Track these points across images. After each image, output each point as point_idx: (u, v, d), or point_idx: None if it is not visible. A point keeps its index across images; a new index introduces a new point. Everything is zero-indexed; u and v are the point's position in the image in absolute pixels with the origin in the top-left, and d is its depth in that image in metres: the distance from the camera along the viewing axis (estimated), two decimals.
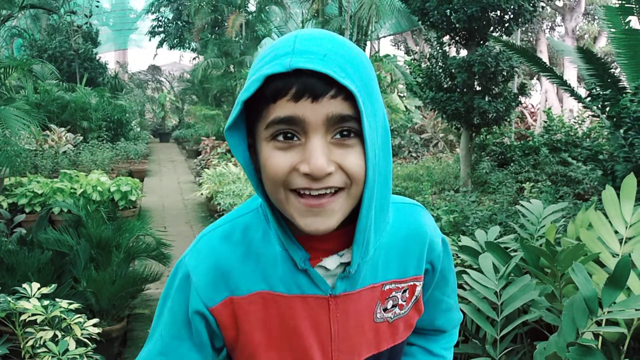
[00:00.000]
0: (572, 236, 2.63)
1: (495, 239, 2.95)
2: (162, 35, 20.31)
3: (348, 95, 0.75)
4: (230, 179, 7.49)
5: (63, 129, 10.54)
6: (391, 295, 0.95)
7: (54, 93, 11.40)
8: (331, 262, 0.89)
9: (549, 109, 7.57)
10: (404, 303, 0.97)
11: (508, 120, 6.68)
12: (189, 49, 20.13)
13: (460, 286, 2.64)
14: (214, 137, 12.06)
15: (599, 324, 1.86)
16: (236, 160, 9.46)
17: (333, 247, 0.89)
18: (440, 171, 7.67)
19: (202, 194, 8.09)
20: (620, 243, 2.17)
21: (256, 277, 0.90)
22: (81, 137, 10.79)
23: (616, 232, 2.22)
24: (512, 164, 6.78)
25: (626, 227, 2.18)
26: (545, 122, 7.36)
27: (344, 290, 0.90)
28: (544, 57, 17.29)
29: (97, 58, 15.91)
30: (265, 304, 0.90)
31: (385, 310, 0.96)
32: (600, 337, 1.97)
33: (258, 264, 0.90)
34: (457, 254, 2.68)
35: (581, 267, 1.84)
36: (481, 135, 7.23)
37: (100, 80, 15.61)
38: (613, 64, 4.96)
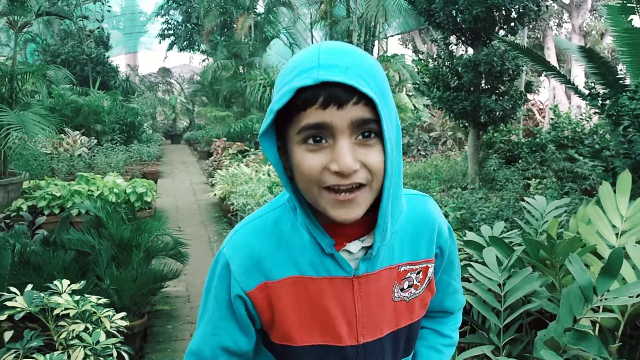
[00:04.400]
0: (573, 230, 2.74)
1: (500, 234, 3.08)
2: (172, 38, 20.50)
3: (368, 102, 0.87)
4: (242, 180, 7.64)
5: (77, 132, 10.75)
6: (406, 276, 1.08)
7: (68, 97, 11.60)
8: (354, 247, 1.01)
9: (556, 106, 7.65)
10: (419, 283, 1.10)
11: (515, 118, 6.78)
12: (198, 50, 20.31)
13: (466, 279, 2.77)
14: (224, 138, 12.20)
15: (595, 311, 1.98)
16: (247, 162, 9.63)
17: (355, 233, 1.01)
18: (448, 169, 7.78)
19: (215, 194, 8.24)
20: (617, 236, 2.29)
21: (287, 264, 1.01)
22: (95, 140, 10.99)
23: (613, 225, 2.33)
24: (519, 161, 6.88)
25: (622, 221, 2.30)
26: (552, 119, 7.45)
27: (365, 271, 1.02)
28: (552, 53, 17.31)
29: (109, 62, 16.14)
30: (295, 287, 1.02)
31: (402, 290, 1.08)
32: (597, 324, 2.09)
33: (288, 251, 1.01)
34: (462, 248, 2.81)
35: (577, 258, 1.96)
36: (488, 133, 7.33)
37: (112, 84, 15.83)
38: (618, 62, 5.06)
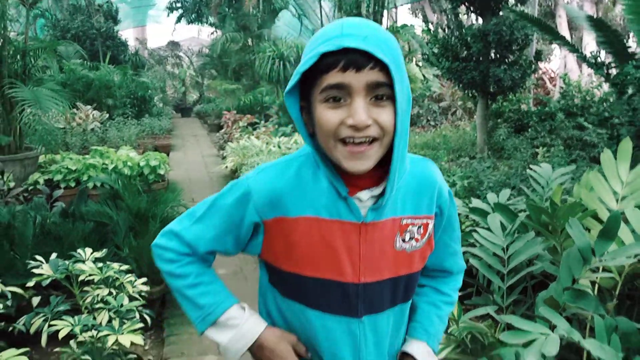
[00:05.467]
0: (577, 197, 2.82)
1: (506, 202, 3.16)
2: (180, 11, 20.41)
3: (382, 67, 0.99)
4: (253, 152, 7.74)
5: (89, 106, 10.85)
6: (408, 229, 1.19)
7: (79, 72, 11.68)
8: (364, 195, 1.13)
9: (565, 74, 7.64)
10: (419, 237, 1.20)
11: (524, 87, 6.79)
12: (207, 23, 20.19)
13: (472, 244, 2.87)
14: (234, 111, 12.26)
15: (593, 272, 2.08)
16: (258, 134, 9.71)
17: (366, 184, 1.13)
18: (457, 139, 7.83)
19: (226, 166, 8.36)
20: (617, 200, 2.37)
21: (304, 204, 1.14)
22: (107, 115, 11.10)
23: (614, 191, 2.41)
24: (528, 130, 6.91)
25: (622, 186, 2.37)
26: (562, 87, 7.45)
27: (372, 219, 1.14)
28: (563, 21, 17.08)
29: (119, 36, 16.16)
30: (309, 226, 1.14)
31: (403, 240, 1.19)
32: (596, 285, 2.18)
33: (307, 194, 1.14)
34: (468, 215, 2.90)
35: (576, 222, 2.05)
36: (497, 103, 7.35)
37: (122, 58, 15.88)
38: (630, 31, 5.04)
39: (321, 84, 1.02)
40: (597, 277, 2.15)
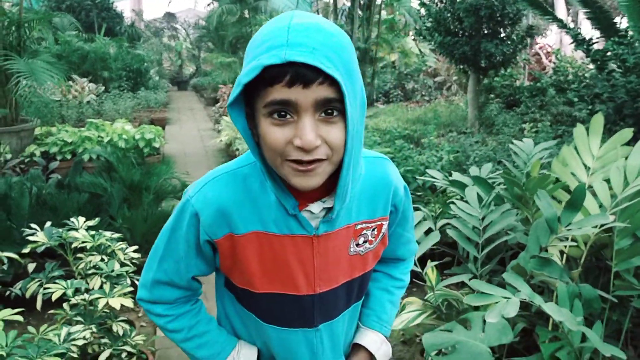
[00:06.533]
0: (554, 171, 2.92)
1: (488, 175, 3.26)
2: None
3: (333, 82, 0.90)
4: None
5: (85, 79, 10.87)
6: (362, 233, 1.17)
7: (74, 44, 11.66)
8: (316, 207, 1.08)
9: (558, 50, 7.68)
10: (373, 239, 1.19)
11: (515, 62, 6.84)
12: None
13: (453, 216, 2.97)
14: (231, 85, 12.26)
15: (561, 240, 2.19)
16: None
17: (317, 195, 1.08)
18: (449, 114, 7.89)
19: (221, 140, 8.42)
20: (587, 174, 2.47)
21: (253, 219, 1.09)
22: (103, 87, 11.12)
23: (585, 165, 2.51)
24: (520, 106, 6.98)
25: (593, 160, 2.47)
26: (554, 63, 7.50)
27: (325, 230, 1.10)
28: None
29: (114, 7, 16.06)
30: (259, 242, 1.10)
31: (357, 245, 1.17)
32: (564, 255, 2.30)
33: (255, 208, 1.08)
34: (447, 187, 3.01)
35: (544, 194, 2.15)
36: (489, 78, 7.40)
37: (118, 30, 15.82)
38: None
39: (265, 97, 0.93)
40: (565, 247, 2.27)
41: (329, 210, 1.09)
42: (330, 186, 1.06)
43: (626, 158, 2.33)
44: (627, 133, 2.50)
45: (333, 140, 0.94)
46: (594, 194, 2.32)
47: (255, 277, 1.13)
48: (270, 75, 0.90)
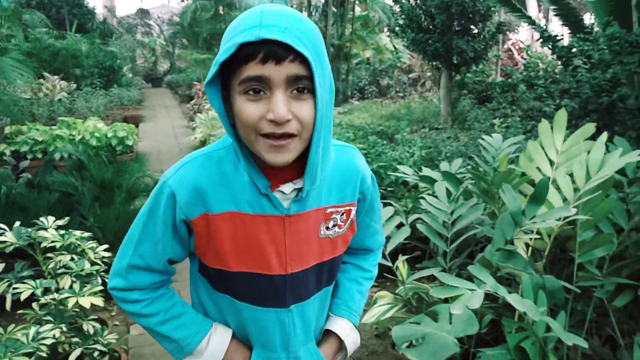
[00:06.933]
0: (521, 165, 2.98)
1: (458, 170, 3.31)
2: None
3: (303, 60, 0.97)
4: (221, 123, 7.78)
5: (56, 77, 10.73)
6: (332, 217, 1.22)
7: (45, 41, 11.50)
8: (287, 188, 1.13)
9: (528, 46, 7.80)
10: (342, 223, 1.25)
11: (486, 59, 6.94)
12: None
13: (424, 210, 3.01)
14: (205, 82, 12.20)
15: (526, 233, 2.24)
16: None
17: (288, 176, 1.13)
18: (423, 110, 7.96)
19: (195, 137, 8.40)
20: (552, 168, 2.53)
21: (227, 200, 1.13)
22: (74, 85, 10.98)
23: (550, 159, 2.56)
24: (492, 101, 7.08)
25: (557, 154, 2.53)
26: (525, 59, 7.62)
27: (296, 211, 1.15)
28: None
29: (86, 3, 15.84)
30: (233, 221, 1.14)
31: (327, 228, 1.22)
32: (530, 248, 2.35)
33: (228, 189, 1.13)
34: (418, 183, 3.05)
35: (509, 188, 2.20)
36: (461, 74, 7.49)
37: (90, 27, 15.64)
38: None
39: (240, 74, 0.99)
40: (530, 239, 2.32)
41: (299, 191, 1.14)
42: (301, 169, 1.11)
43: (589, 152, 2.38)
44: (590, 128, 2.56)
45: (303, 116, 1.00)
46: (558, 188, 2.38)
47: (229, 256, 1.16)
48: (245, 53, 0.96)
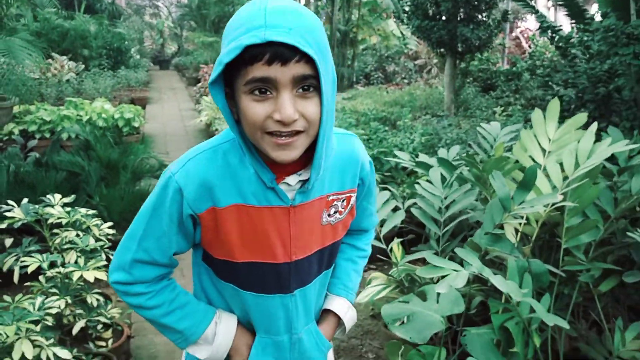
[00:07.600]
0: (515, 153, 3.04)
1: (455, 157, 3.37)
2: None
3: (308, 59, 0.97)
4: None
5: (65, 57, 10.79)
6: (333, 204, 1.25)
7: (54, 21, 11.55)
8: (292, 180, 1.16)
9: (534, 35, 7.80)
10: (343, 209, 1.29)
11: (491, 47, 6.96)
12: None
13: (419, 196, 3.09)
14: (212, 65, 12.24)
15: (515, 218, 2.31)
16: None
17: (294, 168, 1.15)
18: (426, 97, 8.00)
19: (201, 120, 8.47)
20: (544, 157, 2.59)
21: (233, 193, 1.15)
22: (82, 66, 11.05)
23: (542, 148, 2.63)
24: (497, 89, 7.11)
25: (549, 143, 2.59)
26: (530, 47, 7.63)
27: (300, 201, 1.18)
28: None
29: None
30: (240, 214, 1.16)
31: (329, 215, 1.26)
32: (519, 233, 2.42)
33: (235, 182, 1.14)
34: (413, 169, 3.12)
35: (499, 174, 2.27)
36: (465, 62, 7.51)
37: (98, 7, 15.66)
38: None
39: (245, 75, 1.00)
40: (520, 224, 2.40)
41: (304, 182, 1.16)
42: (304, 160, 1.14)
43: (579, 141, 2.45)
44: (582, 117, 2.62)
45: (310, 114, 1.02)
46: (548, 176, 2.45)
47: (235, 247, 1.19)
48: (250, 54, 0.97)
